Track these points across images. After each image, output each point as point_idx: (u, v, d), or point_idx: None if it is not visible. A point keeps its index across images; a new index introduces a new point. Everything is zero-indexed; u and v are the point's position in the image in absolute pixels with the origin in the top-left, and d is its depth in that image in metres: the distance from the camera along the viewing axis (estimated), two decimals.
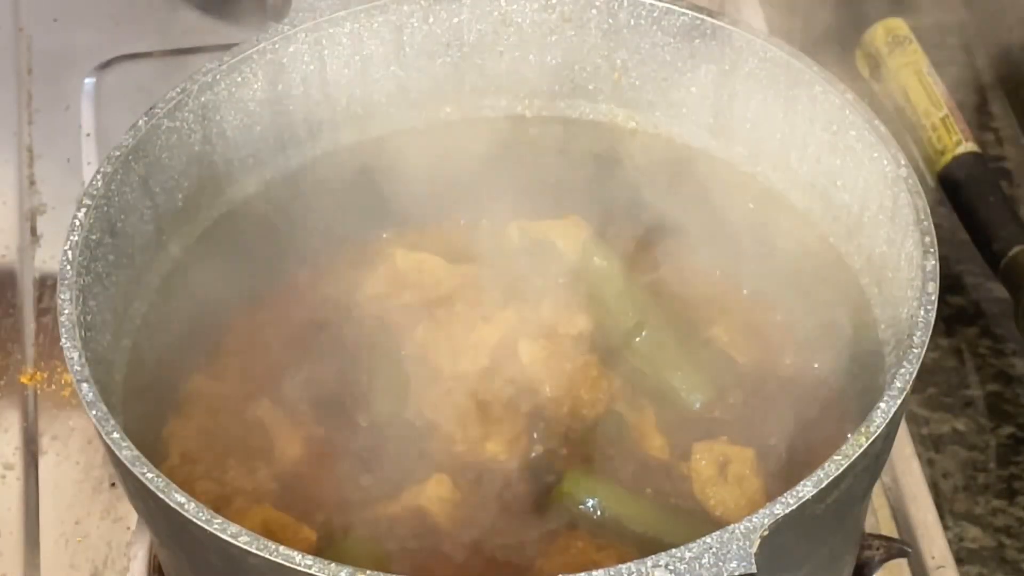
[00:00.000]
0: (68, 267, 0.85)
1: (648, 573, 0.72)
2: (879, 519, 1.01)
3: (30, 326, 1.13)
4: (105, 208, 0.88)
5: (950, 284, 1.18)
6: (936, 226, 0.86)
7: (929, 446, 1.10)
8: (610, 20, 0.99)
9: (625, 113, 1.01)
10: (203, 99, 0.94)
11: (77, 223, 0.87)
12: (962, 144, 1.19)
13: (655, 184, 1.02)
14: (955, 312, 1.18)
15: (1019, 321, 1.13)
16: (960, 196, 1.18)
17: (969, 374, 1.14)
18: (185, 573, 0.86)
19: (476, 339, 0.96)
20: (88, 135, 1.25)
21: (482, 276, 1.00)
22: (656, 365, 0.96)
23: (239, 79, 0.95)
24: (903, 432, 1.06)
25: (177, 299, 0.95)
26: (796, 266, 0.98)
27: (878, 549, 0.93)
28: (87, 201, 0.88)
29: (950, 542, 1.02)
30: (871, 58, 1.26)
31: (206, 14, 1.34)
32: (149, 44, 1.31)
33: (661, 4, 0.97)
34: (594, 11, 0.99)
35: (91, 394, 0.80)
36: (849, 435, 0.78)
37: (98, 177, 0.89)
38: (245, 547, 0.74)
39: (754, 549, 0.73)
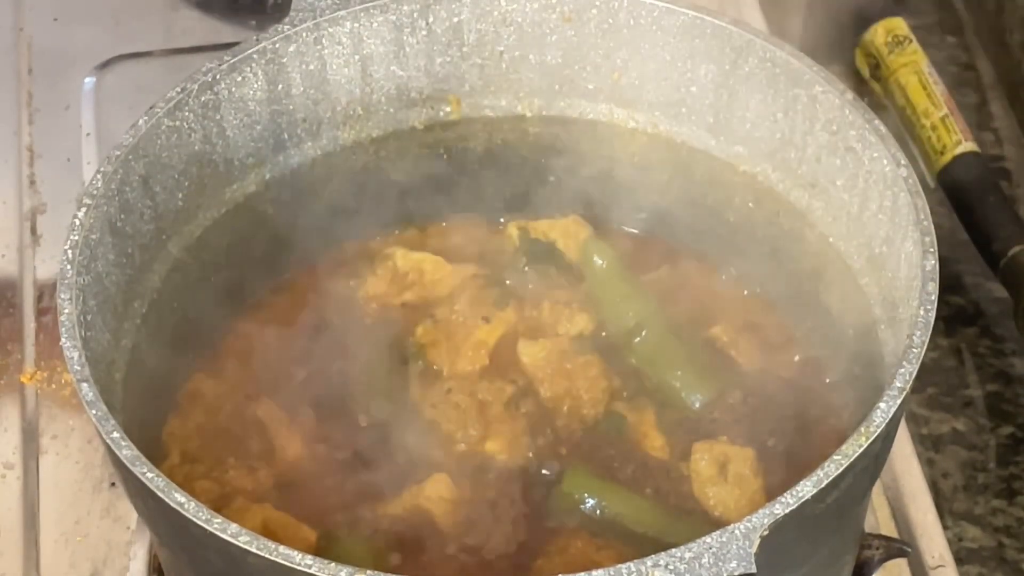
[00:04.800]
0: (68, 267, 0.85)
1: (648, 573, 0.72)
2: (879, 519, 1.01)
3: (30, 326, 1.13)
4: (105, 208, 0.88)
5: (950, 284, 1.18)
6: (936, 226, 0.86)
7: (929, 446, 1.10)
8: (610, 20, 0.99)
9: (625, 113, 1.01)
10: (203, 98, 0.94)
11: (77, 223, 0.87)
12: (962, 144, 1.19)
13: (655, 184, 1.02)
14: (955, 312, 1.18)
15: (1019, 321, 1.13)
16: (960, 196, 1.18)
17: (969, 374, 1.14)
18: (185, 573, 0.86)
19: (476, 339, 0.97)
20: (88, 135, 1.25)
21: (482, 276, 1.00)
22: (656, 365, 0.96)
23: (239, 79, 0.95)
24: (903, 432, 1.06)
25: (177, 299, 0.95)
26: (796, 266, 0.98)
27: (878, 549, 0.93)
28: (87, 201, 0.88)
29: (950, 542, 1.02)
30: (871, 58, 1.26)
31: (206, 14, 1.34)
32: (149, 44, 1.31)
33: (661, 4, 0.97)
34: (594, 11, 0.99)
35: (91, 394, 0.80)
36: (849, 435, 0.78)
37: (98, 176, 0.89)
38: (245, 547, 0.74)
39: (754, 549, 0.73)
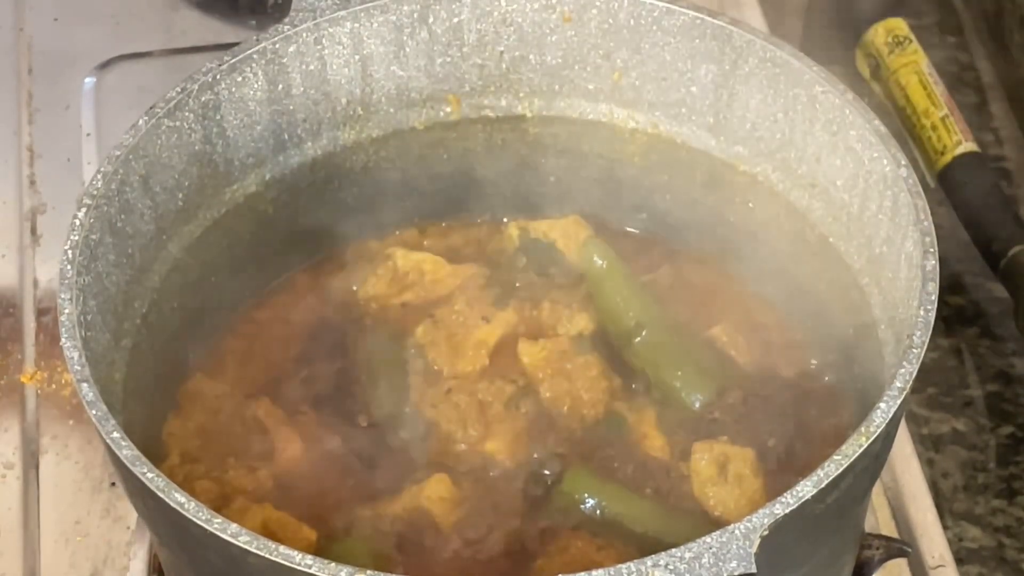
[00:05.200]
0: (68, 267, 0.85)
1: (648, 573, 0.72)
2: (879, 519, 1.01)
3: (30, 326, 1.13)
4: (105, 208, 0.88)
5: (950, 284, 1.18)
6: (936, 226, 0.86)
7: (929, 446, 1.10)
8: (610, 20, 0.99)
9: (625, 113, 1.01)
10: (203, 98, 0.94)
11: (77, 223, 0.87)
12: (962, 144, 1.19)
13: (655, 184, 1.02)
14: (955, 312, 1.18)
15: (1019, 321, 1.13)
16: (960, 196, 1.18)
17: (969, 374, 1.14)
18: (185, 573, 0.86)
19: (476, 339, 0.97)
20: (88, 135, 1.25)
21: (482, 276, 1.00)
22: (656, 365, 0.96)
23: (239, 79, 0.95)
24: (903, 432, 1.06)
25: (177, 299, 0.95)
26: (796, 266, 0.98)
27: (878, 549, 0.93)
28: (87, 201, 0.88)
29: (950, 542, 1.02)
30: (871, 58, 1.26)
31: (206, 14, 1.34)
32: (149, 44, 1.31)
33: (661, 4, 0.97)
34: (594, 11, 0.99)
35: (91, 394, 0.80)
36: (849, 435, 0.78)
37: (98, 177, 0.89)
38: (245, 546, 0.74)
39: (754, 549, 0.73)
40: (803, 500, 0.75)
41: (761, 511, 0.74)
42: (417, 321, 0.98)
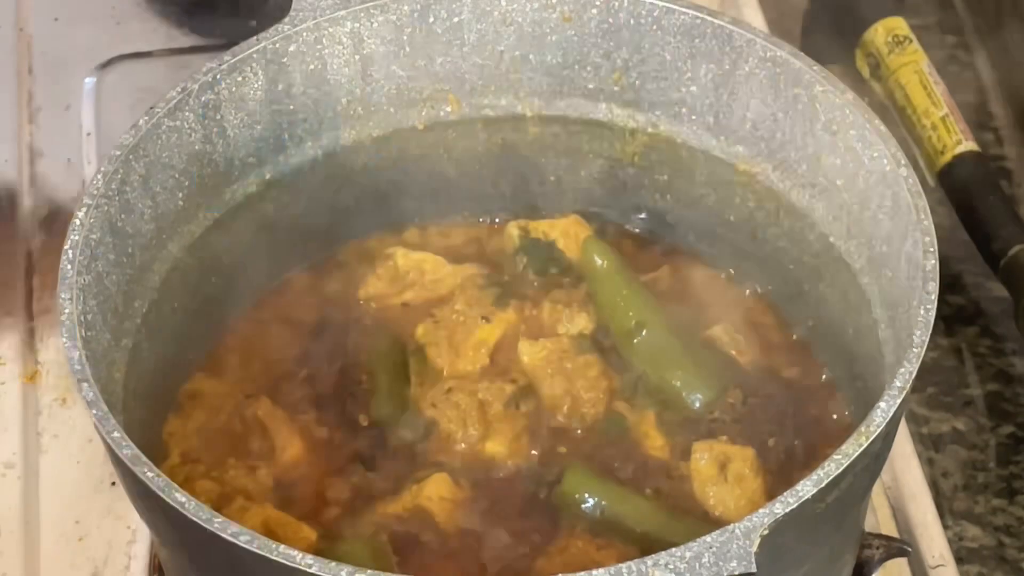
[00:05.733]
0: (68, 267, 0.85)
1: (648, 573, 0.72)
2: (879, 518, 1.01)
3: (31, 325, 1.13)
4: (105, 207, 0.88)
5: (950, 284, 1.18)
6: (936, 226, 0.86)
7: (929, 445, 1.10)
8: (610, 20, 0.99)
9: (625, 113, 1.01)
10: (204, 98, 0.94)
11: (77, 223, 0.87)
12: (962, 144, 1.19)
13: (655, 184, 1.02)
14: (955, 312, 1.18)
15: (1019, 321, 1.13)
16: (960, 196, 1.18)
17: (969, 373, 1.14)
18: (185, 572, 0.86)
19: (476, 339, 0.97)
20: (89, 135, 1.25)
21: (482, 276, 1.00)
22: (656, 365, 0.96)
23: (240, 78, 0.95)
24: (903, 431, 1.06)
25: (177, 299, 0.95)
26: (796, 266, 0.98)
27: (878, 548, 0.93)
28: (87, 200, 0.88)
29: (950, 541, 1.02)
30: (871, 58, 1.26)
31: (207, 14, 1.34)
32: (149, 44, 1.31)
33: (661, 4, 0.97)
34: (594, 11, 0.99)
35: (91, 394, 0.80)
36: (849, 435, 0.78)
37: (98, 176, 0.89)
38: (245, 546, 0.74)
39: (754, 548, 0.73)
40: (803, 499, 0.75)
41: (761, 511, 0.74)
42: (417, 321, 0.98)
